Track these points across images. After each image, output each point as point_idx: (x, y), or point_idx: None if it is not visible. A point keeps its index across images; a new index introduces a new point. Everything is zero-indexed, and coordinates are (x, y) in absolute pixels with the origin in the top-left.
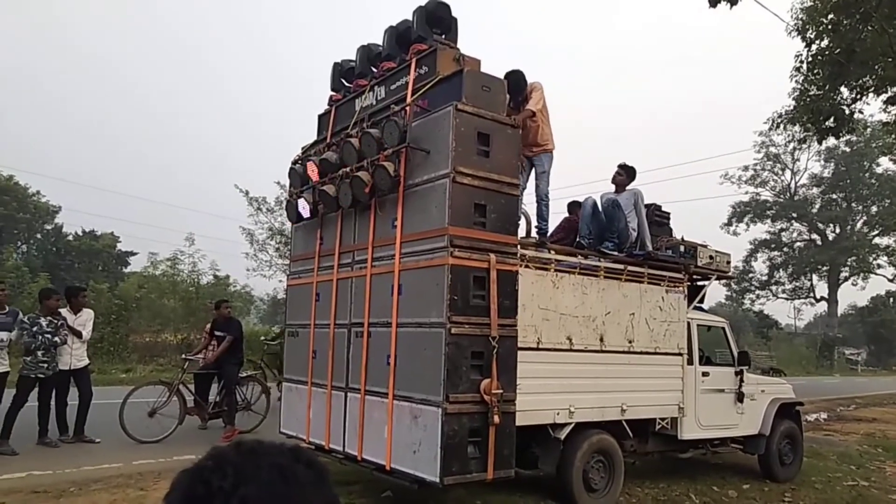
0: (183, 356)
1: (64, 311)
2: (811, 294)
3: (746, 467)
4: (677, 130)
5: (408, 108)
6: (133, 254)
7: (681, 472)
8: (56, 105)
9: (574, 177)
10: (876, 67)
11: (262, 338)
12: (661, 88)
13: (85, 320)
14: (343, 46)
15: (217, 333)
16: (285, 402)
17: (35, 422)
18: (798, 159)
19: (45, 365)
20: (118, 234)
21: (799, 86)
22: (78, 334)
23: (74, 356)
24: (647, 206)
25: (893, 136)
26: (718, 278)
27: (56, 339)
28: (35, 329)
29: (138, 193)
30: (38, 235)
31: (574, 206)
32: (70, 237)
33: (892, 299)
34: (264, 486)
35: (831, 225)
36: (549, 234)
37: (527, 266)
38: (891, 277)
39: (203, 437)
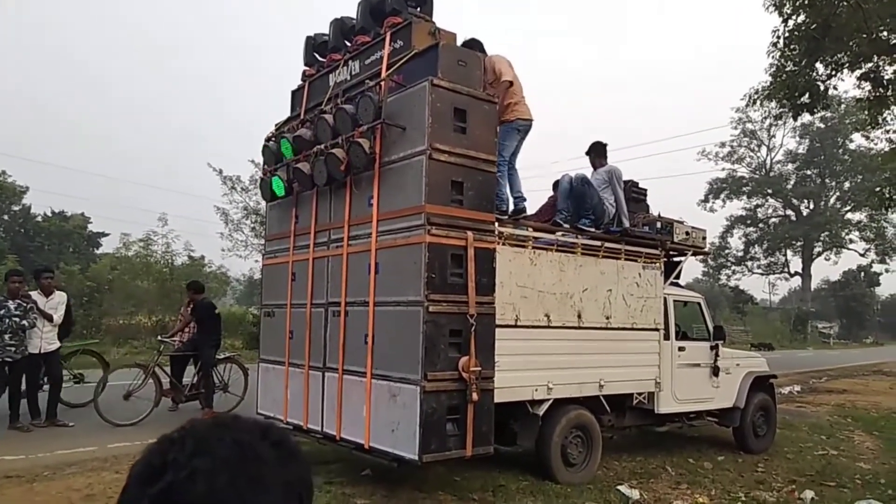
0: (158, 338)
1: (35, 294)
2: (785, 269)
3: (721, 439)
4: (655, 106)
5: (383, 84)
6: (105, 235)
7: (657, 445)
8: (21, 89)
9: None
10: (851, 43)
11: None
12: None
13: (57, 303)
14: (311, 21)
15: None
16: (262, 382)
17: (6, 407)
18: (774, 135)
19: (13, 348)
20: (89, 215)
21: (775, 62)
22: (48, 317)
23: (45, 339)
24: (624, 182)
25: (866, 112)
26: (694, 254)
27: (24, 322)
28: (2, 312)
29: (109, 174)
30: (5, 217)
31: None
32: (39, 218)
33: (863, 274)
34: (219, 460)
35: (805, 201)
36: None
37: (504, 243)
38: (862, 252)
39: (178, 420)
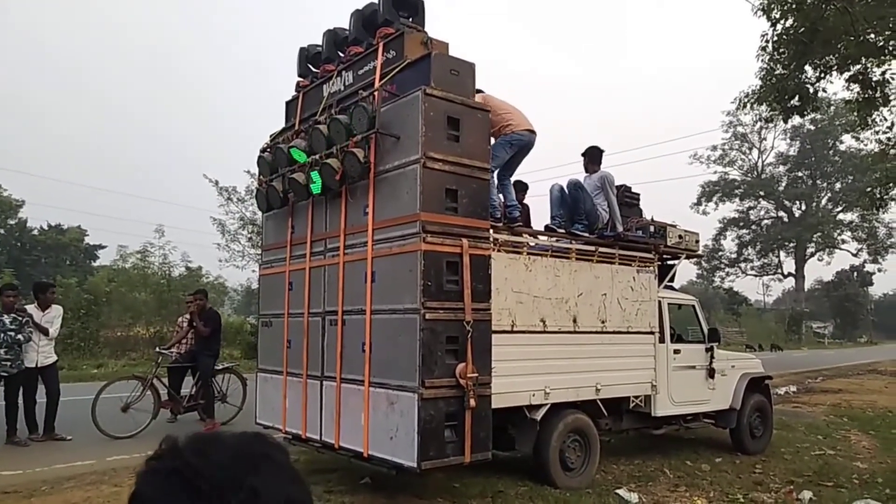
0: (156, 349)
1: (31, 308)
2: (779, 270)
3: (718, 441)
4: (647, 112)
5: (376, 94)
6: (102, 247)
7: (655, 447)
8: (15, 100)
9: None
10: (839, 46)
11: None
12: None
13: (53, 317)
14: (305, 32)
15: (196, 324)
16: (261, 392)
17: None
18: (765, 138)
19: (9, 363)
20: (85, 228)
21: (765, 65)
22: (44, 331)
23: (41, 353)
24: (617, 187)
25: (856, 113)
26: (688, 257)
27: (20, 336)
28: None
29: (105, 186)
30: (2, 231)
31: (518, 185)
32: (35, 231)
33: (855, 273)
34: (268, 473)
35: (797, 202)
36: None
37: (499, 250)
38: (854, 252)
39: (176, 431)
